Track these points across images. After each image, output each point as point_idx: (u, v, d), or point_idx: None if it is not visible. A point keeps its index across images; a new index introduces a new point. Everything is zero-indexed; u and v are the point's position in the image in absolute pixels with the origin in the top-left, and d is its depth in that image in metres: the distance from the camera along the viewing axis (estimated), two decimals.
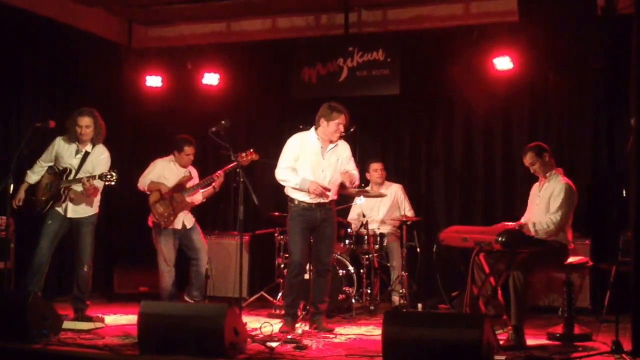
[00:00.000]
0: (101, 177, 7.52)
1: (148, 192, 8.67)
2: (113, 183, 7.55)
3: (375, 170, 9.49)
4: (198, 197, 8.77)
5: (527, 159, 7.34)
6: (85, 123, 7.78)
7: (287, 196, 7.56)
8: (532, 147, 7.39)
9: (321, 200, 7.48)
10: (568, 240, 7.13)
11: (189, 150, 8.69)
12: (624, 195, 6.41)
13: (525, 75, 9.58)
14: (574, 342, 6.83)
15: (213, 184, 8.63)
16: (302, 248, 7.51)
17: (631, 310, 6.06)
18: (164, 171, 8.73)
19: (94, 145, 7.89)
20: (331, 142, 7.53)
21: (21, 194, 7.87)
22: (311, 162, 7.49)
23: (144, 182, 8.71)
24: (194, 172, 8.92)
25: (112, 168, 7.67)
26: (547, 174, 7.30)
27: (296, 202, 7.49)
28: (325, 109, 7.49)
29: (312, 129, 7.59)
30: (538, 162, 7.29)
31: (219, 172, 8.54)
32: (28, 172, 7.94)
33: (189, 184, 8.70)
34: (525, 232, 6.90)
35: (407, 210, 9.38)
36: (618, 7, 8.19)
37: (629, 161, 6.27)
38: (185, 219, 8.71)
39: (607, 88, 9.24)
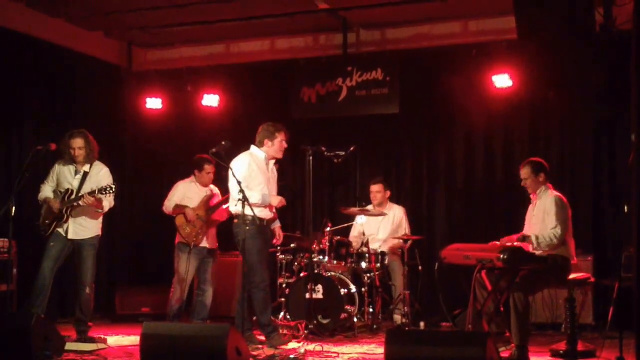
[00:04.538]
0: (101, 190, 7.55)
1: (174, 215, 8.72)
2: (113, 193, 7.61)
3: (372, 192, 9.49)
4: (223, 214, 8.79)
5: (523, 172, 7.35)
6: (78, 145, 7.82)
7: (238, 215, 7.47)
8: (531, 162, 7.40)
9: (270, 215, 7.75)
10: (570, 254, 7.10)
11: (209, 168, 8.81)
12: (626, 211, 6.39)
13: (525, 93, 9.57)
14: (577, 359, 6.79)
15: None
16: (267, 265, 7.71)
17: (634, 326, 6.05)
18: (186, 192, 8.83)
19: (90, 164, 7.91)
20: (274, 158, 7.85)
21: (53, 203, 7.85)
22: (264, 178, 7.71)
23: (168, 206, 8.81)
24: (216, 190, 8.96)
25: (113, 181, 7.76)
26: (537, 191, 7.31)
27: (254, 220, 7.55)
28: (265, 131, 7.78)
29: (255, 148, 7.79)
30: (531, 178, 7.30)
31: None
32: (43, 190, 7.93)
33: (213, 202, 8.77)
34: (526, 247, 6.90)
35: (406, 230, 9.37)
36: (617, 23, 8.21)
37: (630, 177, 6.27)
38: (209, 238, 8.79)
39: (607, 104, 9.23)
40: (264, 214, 7.67)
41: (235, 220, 7.59)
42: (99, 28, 10.59)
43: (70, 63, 10.21)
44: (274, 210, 7.83)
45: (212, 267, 8.82)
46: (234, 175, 7.33)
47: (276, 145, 7.77)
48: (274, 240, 8.07)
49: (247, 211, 7.35)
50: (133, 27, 10.52)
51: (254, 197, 7.45)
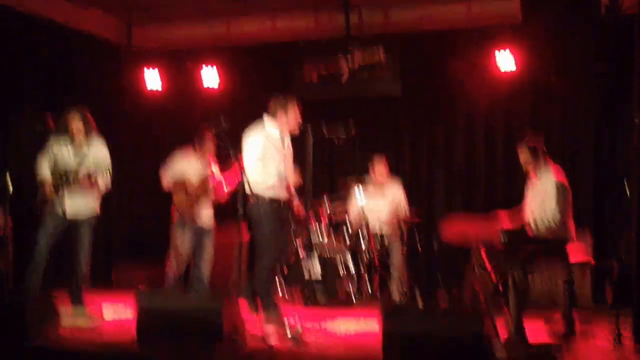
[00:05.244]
0: (98, 172, 7.52)
1: (172, 192, 8.68)
2: (109, 174, 7.62)
3: (376, 166, 9.43)
4: (221, 192, 8.75)
5: (522, 156, 7.29)
6: (76, 123, 7.77)
7: (255, 195, 7.39)
8: (529, 147, 7.30)
9: (285, 196, 7.59)
10: (570, 235, 7.07)
11: (209, 134, 8.69)
12: (627, 192, 6.37)
13: (528, 77, 9.57)
14: (575, 339, 6.77)
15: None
16: (277, 246, 7.57)
17: (632, 308, 6.04)
18: (184, 167, 8.73)
19: (88, 143, 7.86)
20: (291, 132, 7.63)
21: (49, 187, 7.80)
22: (280, 157, 7.52)
23: (167, 180, 8.72)
24: (216, 170, 8.92)
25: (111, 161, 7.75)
26: (537, 171, 7.26)
27: (268, 201, 7.44)
28: (277, 102, 7.55)
29: (270, 124, 7.58)
30: (530, 161, 7.24)
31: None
32: (41, 168, 7.88)
33: (211, 182, 8.73)
34: (526, 231, 6.87)
35: (405, 212, 9.34)
36: (623, 7, 8.18)
37: (632, 158, 6.24)
38: (206, 217, 8.72)
39: (610, 88, 9.20)
40: (280, 194, 7.53)
41: (251, 200, 7.52)
42: (99, 6, 10.55)
43: (68, 41, 10.15)
44: (291, 189, 7.70)
45: (208, 245, 8.77)
46: (248, 157, 7.29)
47: (290, 117, 7.54)
48: (297, 214, 8.04)
49: (263, 193, 7.32)
50: (133, 5, 10.48)
51: (269, 178, 7.40)
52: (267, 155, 7.46)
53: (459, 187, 10.10)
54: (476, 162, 10.07)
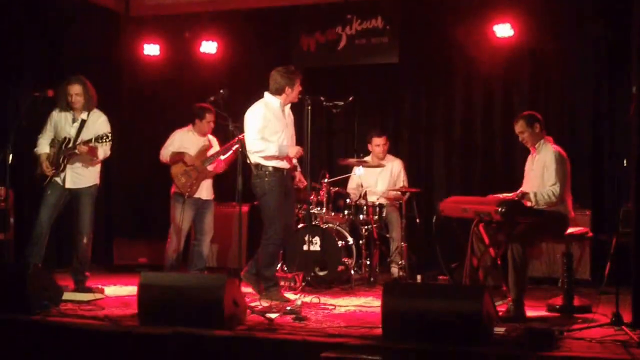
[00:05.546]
0: (97, 139, 7.51)
1: (170, 164, 8.67)
2: (109, 142, 7.58)
3: (378, 145, 9.34)
4: (221, 165, 8.75)
5: (518, 127, 7.26)
6: (75, 91, 7.73)
7: (258, 166, 7.48)
8: (524, 116, 7.29)
9: (288, 166, 7.63)
10: (568, 209, 7.07)
11: (210, 117, 8.71)
12: (625, 165, 6.36)
13: (526, 43, 9.51)
14: (573, 314, 6.81)
15: (233, 148, 8.54)
16: (282, 218, 7.57)
17: (631, 282, 6.06)
18: (183, 141, 8.75)
19: (88, 112, 7.83)
20: (290, 103, 7.71)
21: (45, 163, 7.79)
22: (280, 127, 7.56)
23: (165, 154, 8.73)
24: (214, 141, 8.91)
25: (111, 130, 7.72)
26: (536, 145, 7.24)
27: (272, 171, 7.48)
28: (285, 78, 7.56)
29: (269, 96, 7.61)
30: (527, 131, 7.21)
31: (240, 136, 8.32)
32: (39, 144, 7.87)
33: (210, 152, 8.72)
34: (526, 203, 6.88)
35: (404, 183, 9.34)
36: None
37: (630, 129, 6.23)
38: (205, 189, 8.73)
39: (608, 55, 9.16)
40: (283, 164, 7.56)
41: (254, 171, 7.53)
42: None
43: (67, 7, 10.03)
44: (293, 160, 7.74)
45: (208, 217, 8.79)
46: (247, 128, 7.29)
47: (295, 91, 7.61)
48: (299, 184, 8.07)
49: (265, 162, 7.34)
50: None
51: (270, 149, 7.40)
52: (268, 125, 7.48)
53: (457, 155, 10.06)
54: (475, 128, 10.01)
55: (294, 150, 7.59)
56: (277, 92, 7.60)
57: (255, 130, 7.43)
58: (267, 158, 7.45)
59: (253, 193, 7.66)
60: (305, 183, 8.09)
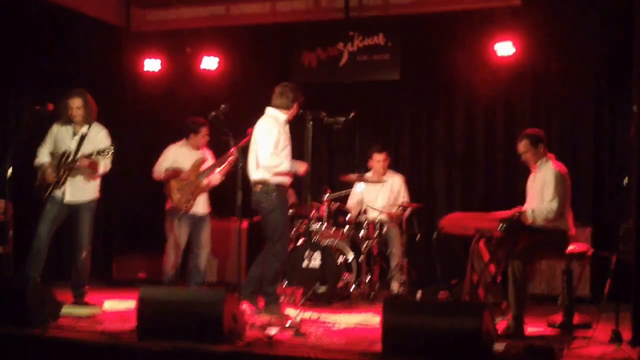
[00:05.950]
0: (98, 153, 7.52)
1: (164, 181, 8.62)
2: (110, 154, 7.59)
3: (379, 161, 9.33)
4: (216, 177, 8.72)
5: (521, 146, 7.25)
6: (76, 104, 7.76)
7: (264, 182, 7.45)
8: (528, 135, 7.28)
9: (290, 182, 7.66)
10: (568, 226, 7.07)
11: (205, 130, 8.67)
12: (625, 182, 6.36)
13: (527, 61, 9.51)
14: (573, 331, 6.81)
15: (228, 160, 8.52)
16: (288, 233, 7.58)
17: (631, 300, 6.05)
18: (177, 156, 8.67)
19: (89, 126, 7.84)
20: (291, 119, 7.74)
21: (48, 170, 7.78)
22: (287, 143, 7.57)
23: (159, 170, 8.66)
24: (209, 153, 8.88)
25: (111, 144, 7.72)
26: (538, 163, 7.24)
27: (278, 187, 7.47)
28: (293, 93, 7.61)
29: (277, 112, 7.60)
30: (531, 151, 7.20)
31: (232, 149, 8.31)
32: (39, 154, 7.87)
33: (204, 166, 8.67)
34: (523, 220, 6.87)
35: (405, 199, 9.33)
36: None
37: (631, 148, 6.23)
38: (201, 204, 8.68)
39: (610, 74, 9.17)
40: (286, 180, 7.57)
41: (259, 187, 7.51)
42: None
43: (67, 22, 10.06)
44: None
45: (205, 232, 8.71)
46: (264, 143, 7.30)
47: (297, 107, 7.66)
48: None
49: (273, 178, 7.35)
50: None
51: (284, 165, 7.40)
52: (279, 141, 7.48)
53: (458, 172, 10.05)
54: (476, 145, 10.00)
55: (303, 167, 7.58)
56: (286, 107, 7.59)
57: (272, 145, 7.40)
58: (277, 174, 7.43)
59: (254, 209, 7.64)
60: (295, 199, 8.10)
